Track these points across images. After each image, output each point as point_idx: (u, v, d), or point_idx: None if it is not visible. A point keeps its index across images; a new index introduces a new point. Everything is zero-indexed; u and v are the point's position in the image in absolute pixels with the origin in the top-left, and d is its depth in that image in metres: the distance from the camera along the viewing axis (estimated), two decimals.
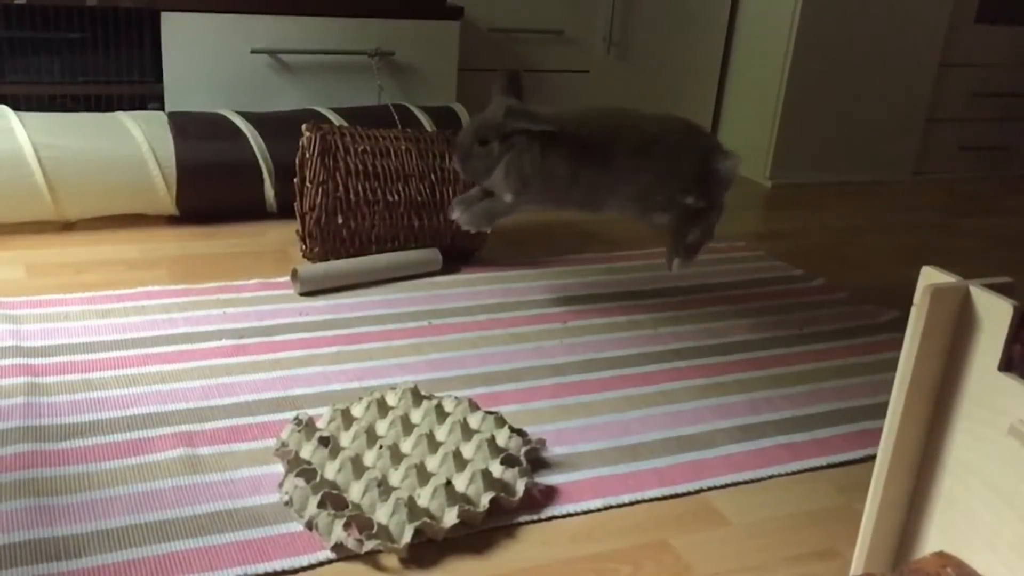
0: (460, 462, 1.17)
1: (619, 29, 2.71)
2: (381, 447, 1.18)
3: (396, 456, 1.18)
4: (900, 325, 0.89)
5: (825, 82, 2.74)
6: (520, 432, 1.27)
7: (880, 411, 0.92)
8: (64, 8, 2.02)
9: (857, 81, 2.79)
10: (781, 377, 1.55)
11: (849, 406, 1.47)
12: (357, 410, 1.29)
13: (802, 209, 2.59)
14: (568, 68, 2.69)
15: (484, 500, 1.11)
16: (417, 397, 1.31)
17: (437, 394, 1.35)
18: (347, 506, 1.09)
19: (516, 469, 1.17)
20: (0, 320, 1.49)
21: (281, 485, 1.14)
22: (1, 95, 2.00)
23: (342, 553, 1.04)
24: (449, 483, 1.11)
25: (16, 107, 1.91)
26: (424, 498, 1.11)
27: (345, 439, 1.22)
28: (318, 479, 1.12)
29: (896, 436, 0.91)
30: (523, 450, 1.23)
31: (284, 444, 1.21)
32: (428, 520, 1.06)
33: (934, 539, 0.92)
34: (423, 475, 1.14)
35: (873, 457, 0.94)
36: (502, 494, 1.13)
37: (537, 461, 1.24)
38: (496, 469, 1.17)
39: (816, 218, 2.51)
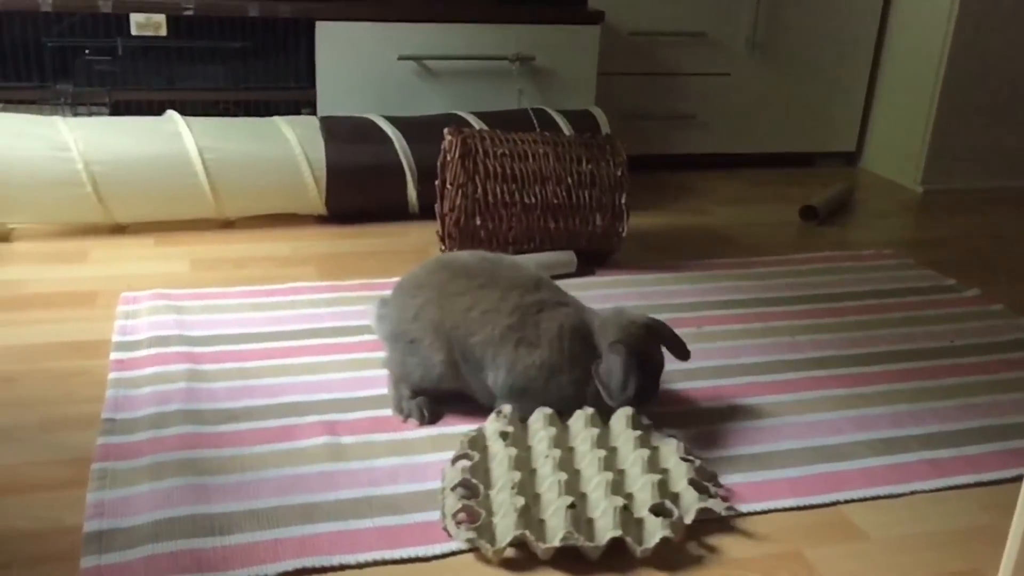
0: (611, 487, 1.13)
1: (763, 30, 2.66)
2: (546, 456, 1.20)
3: (549, 466, 1.18)
4: None
5: (983, 82, 2.61)
6: (690, 458, 1.22)
7: None
8: (228, 18, 2.15)
9: (1018, 81, 2.64)
10: (928, 390, 1.49)
11: (1001, 423, 1.40)
12: (536, 421, 1.29)
13: (956, 216, 2.47)
14: (709, 71, 2.66)
15: (603, 538, 1.07)
16: (595, 419, 1.29)
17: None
18: (478, 496, 1.12)
19: (660, 520, 1.10)
20: (167, 311, 1.60)
21: (454, 461, 1.19)
22: (170, 100, 2.15)
23: (450, 532, 1.08)
24: (573, 505, 1.09)
25: (183, 112, 2.05)
26: (548, 513, 1.11)
27: (519, 439, 1.25)
28: (475, 463, 1.17)
29: None
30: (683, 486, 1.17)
31: (480, 429, 1.26)
32: (529, 533, 1.05)
33: None
34: (566, 490, 1.12)
35: (1023, 477, 0.90)
36: (628, 538, 1.07)
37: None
38: (639, 510, 1.12)
39: (972, 226, 2.39)
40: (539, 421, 1.28)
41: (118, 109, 2.15)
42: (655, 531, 1.09)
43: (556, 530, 1.07)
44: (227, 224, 2.07)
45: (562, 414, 1.30)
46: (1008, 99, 2.65)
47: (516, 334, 1.30)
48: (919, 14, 2.65)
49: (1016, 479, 1.25)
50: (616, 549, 1.07)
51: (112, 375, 1.40)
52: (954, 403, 1.46)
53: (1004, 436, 1.36)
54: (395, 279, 1.79)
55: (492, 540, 1.07)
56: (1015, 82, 2.63)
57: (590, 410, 1.29)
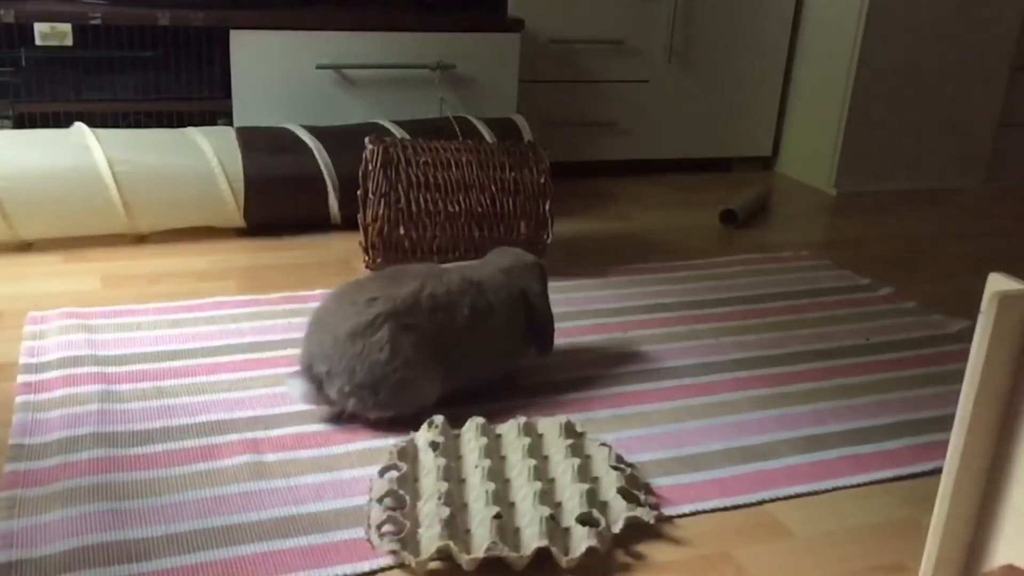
0: (539, 497, 1.13)
1: (680, 38, 2.70)
2: (476, 466, 1.19)
3: (479, 476, 1.17)
4: (971, 335, 0.87)
5: (892, 87, 2.69)
6: (621, 467, 1.22)
7: (949, 423, 0.90)
8: (138, 27, 2.09)
9: (926, 86, 2.73)
10: (846, 388, 1.53)
11: (917, 418, 1.44)
12: (468, 431, 1.28)
13: (869, 217, 2.54)
14: (628, 78, 2.68)
15: (529, 548, 1.06)
16: (528, 429, 1.29)
17: (542, 420, 1.32)
18: (404, 507, 1.10)
19: (587, 529, 1.09)
20: (77, 330, 1.54)
21: (381, 473, 1.18)
22: (77, 112, 2.08)
23: (373, 544, 1.06)
24: (499, 516, 1.08)
25: (91, 124, 1.98)
26: (474, 523, 1.09)
27: (450, 450, 1.23)
28: (403, 473, 1.16)
29: (964, 447, 0.89)
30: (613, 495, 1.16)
31: (411, 440, 1.25)
32: (454, 544, 1.04)
33: (1003, 552, 0.90)
34: (493, 500, 1.11)
35: (941, 470, 0.92)
36: (553, 548, 1.06)
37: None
38: (567, 520, 1.12)
39: (884, 226, 2.46)
40: (471, 431, 1.27)
41: (22, 122, 2.07)
42: (581, 541, 1.08)
43: (482, 540, 1.06)
44: (140, 239, 2.01)
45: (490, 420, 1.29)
46: (917, 104, 2.74)
47: (475, 302, 1.39)
48: (829, 22, 2.72)
49: (933, 472, 1.28)
50: (543, 559, 1.06)
51: (19, 399, 1.34)
52: (871, 399, 1.49)
53: (919, 431, 1.40)
54: (319, 291, 1.78)
55: (416, 551, 1.05)
56: (924, 87, 2.72)
57: (523, 419, 1.29)
